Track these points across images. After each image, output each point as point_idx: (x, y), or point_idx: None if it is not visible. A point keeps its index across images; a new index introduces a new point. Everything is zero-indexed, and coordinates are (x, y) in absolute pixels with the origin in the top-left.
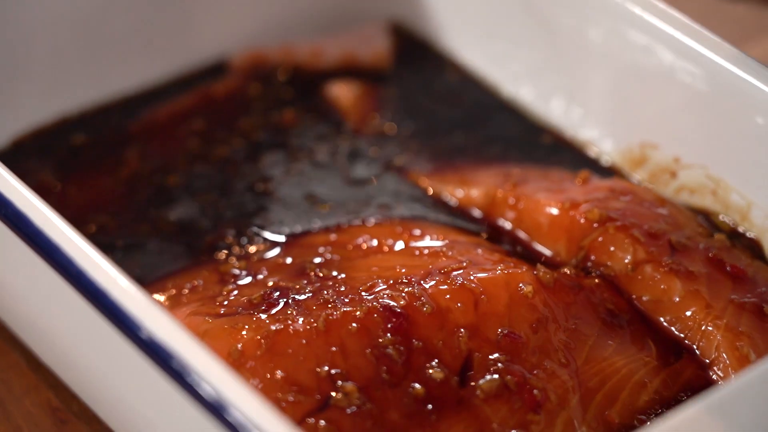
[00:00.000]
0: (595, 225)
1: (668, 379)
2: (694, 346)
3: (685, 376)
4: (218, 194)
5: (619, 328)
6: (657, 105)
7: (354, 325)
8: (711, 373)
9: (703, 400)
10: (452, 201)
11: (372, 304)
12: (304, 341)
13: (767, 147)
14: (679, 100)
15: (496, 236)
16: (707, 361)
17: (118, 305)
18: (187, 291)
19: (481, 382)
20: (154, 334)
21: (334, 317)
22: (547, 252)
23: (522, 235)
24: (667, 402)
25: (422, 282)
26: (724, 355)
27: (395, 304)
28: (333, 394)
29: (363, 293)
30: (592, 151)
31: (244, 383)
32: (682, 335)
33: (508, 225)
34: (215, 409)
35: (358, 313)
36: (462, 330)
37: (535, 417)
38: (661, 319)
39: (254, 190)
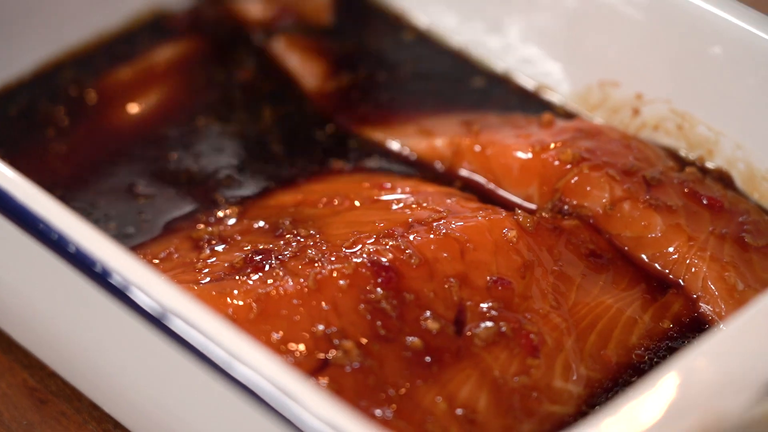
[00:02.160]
0: (568, 166)
1: (658, 314)
2: (680, 280)
3: (674, 310)
4: (174, 162)
5: (603, 268)
6: (613, 42)
7: (344, 281)
8: (699, 305)
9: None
10: (410, 152)
11: (359, 259)
12: (296, 302)
13: (729, 76)
14: (637, 35)
15: (463, 185)
16: (695, 294)
17: (87, 253)
18: (159, 261)
19: (477, 330)
20: (130, 278)
21: (324, 275)
22: (515, 199)
23: (489, 184)
24: (658, 337)
25: (406, 234)
26: (711, 286)
27: (383, 259)
28: (332, 352)
29: (348, 249)
30: (549, 96)
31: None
32: (666, 270)
33: (472, 174)
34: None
35: (346, 269)
36: (451, 280)
37: (534, 361)
38: (644, 256)
39: (209, 154)
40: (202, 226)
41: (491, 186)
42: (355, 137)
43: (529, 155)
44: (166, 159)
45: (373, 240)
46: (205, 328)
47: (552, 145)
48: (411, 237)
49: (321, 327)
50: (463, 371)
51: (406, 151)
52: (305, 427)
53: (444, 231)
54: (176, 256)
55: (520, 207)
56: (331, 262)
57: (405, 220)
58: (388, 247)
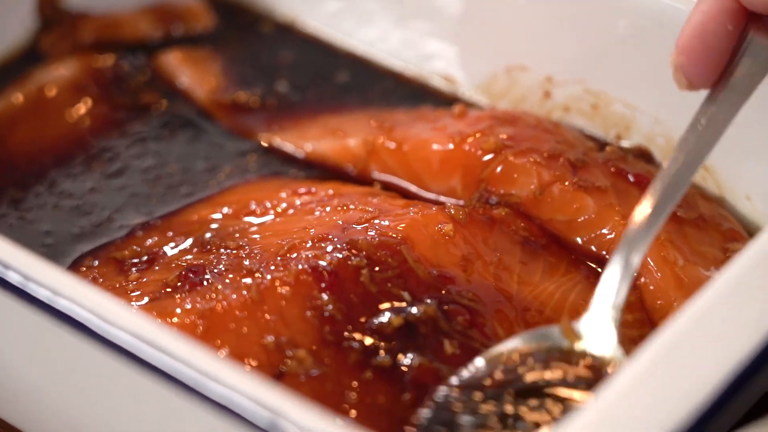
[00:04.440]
0: (491, 155)
1: None
2: None
3: None
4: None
5: (540, 254)
6: (517, 26)
7: (287, 290)
8: (641, 283)
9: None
10: (320, 156)
11: (300, 266)
12: (241, 314)
13: (641, 49)
14: (541, 16)
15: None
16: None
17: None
18: None
19: (428, 325)
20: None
21: (266, 285)
22: (432, 196)
23: (404, 182)
24: None
25: (342, 237)
26: (651, 263)
27: (323, 263)
28: (285, 362)
29: (286, 257)
30: (454, 89)
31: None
32: (603, 252)
33: (383, 175)
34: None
35: (287, 277)
36: (395, 278)
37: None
38: (578, 239)
39: (113, 179)
40: (121, 246)
41: (405, 185)
42: (260, 145)
43: (450, 147)
44: (67, 192)
45: (309, 245)
46: (172, 349)
47: (472, 135)
48: (348, 239)
49: (271, 338)
50: (419, 368)
51: (316, 155)
52: None
53: (379, 230)
54: (101, 281)
55: (443, 203)
56: (271, 272)
57: (336, 224)
58: (326, 251)
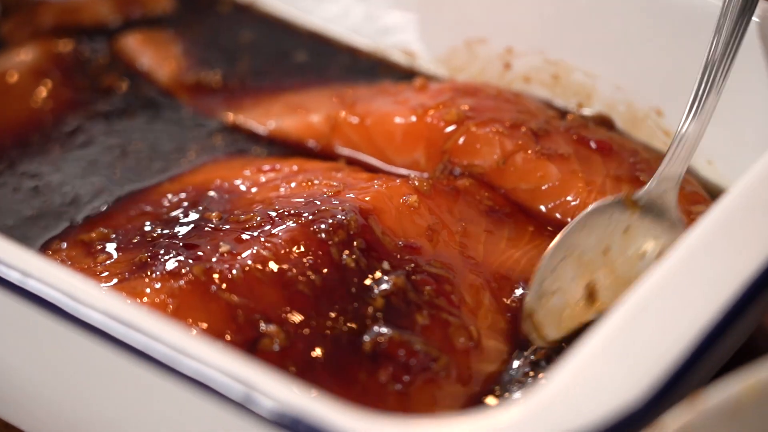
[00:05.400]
0: (454, 126)
1: None
2: None
3: None
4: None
5: (504, 223)
6: None
7: (258, 264)
8: None
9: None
10: (283, 133)
11: (270, 242)
12: (211, 291)
13: (599, 17)
14: None
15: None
16: None
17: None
18: None
19: (399, 297)
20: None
21: (234, 261)
22: (393, 168)
23: (367, 157)
24: None
25: (309, 211)
26: None
27: (294, 237)
28: (257, 337)
29: (256, 232)
30: (413, 63)
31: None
32: (568, 219)
33: (346, 150)
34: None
35: (258, 253)
36: (362, 251)
37: (457, 321)
38: (542, 207)
39: (77, 162)
40: (87, 227)
41: (369, 159)
42: (222, 124)
43: (413, 119)
44: (30, 175)
45: (278, 220)
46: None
47: (433, 107)
48: (315, 212)
49: (242, 313)
50: (390, 339)
51: (280, 132)
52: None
53: (345, 204)
54: (69, 263)
55: (407, 176)
56: (239, 248)
57: (302, 198)
58: (295, 225)
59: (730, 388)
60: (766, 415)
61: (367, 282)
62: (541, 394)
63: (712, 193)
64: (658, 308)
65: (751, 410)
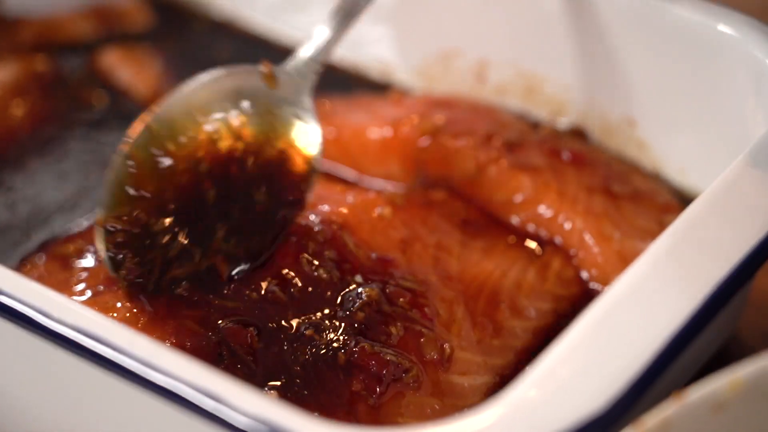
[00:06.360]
0: (429, 138)
1: (539, 273)
2: (556, 238)
3: (555, 267)
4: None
5: (479, 235)
6: (449, 10)
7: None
8: (578, 259)
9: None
10: None
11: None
12: (183, 304)
13: (572, 28)
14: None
15: None
16: (572, 249)
17: None
18: None
19: (371, 310)
20: None
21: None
22: (369, 180)
23: (343, 168)
24: (546, 296)
25: None
26: (588, 239)
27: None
28: (228, 350)
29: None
30: (387, 77)
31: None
32: (541, 230)
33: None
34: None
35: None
36: (334, 263)
37: (430, 334)
38: (516, 219)
39: (58, 173)
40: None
41: (345, 170)
42: None
43: (388, 132)
44: (7, 187)
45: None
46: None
47: (408, 120)
48: None
49: (215, 326)
50: (362, 351)
51: None
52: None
53: (319, 216)
54: (46, 276)
55: (381, 188)
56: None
57: None
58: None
59: (711, 384)
60: (747, 411)
61: (340, 294)
62: (506, 403)
63: (685, 201)
64: (624, 314)
65: (732, 406)
